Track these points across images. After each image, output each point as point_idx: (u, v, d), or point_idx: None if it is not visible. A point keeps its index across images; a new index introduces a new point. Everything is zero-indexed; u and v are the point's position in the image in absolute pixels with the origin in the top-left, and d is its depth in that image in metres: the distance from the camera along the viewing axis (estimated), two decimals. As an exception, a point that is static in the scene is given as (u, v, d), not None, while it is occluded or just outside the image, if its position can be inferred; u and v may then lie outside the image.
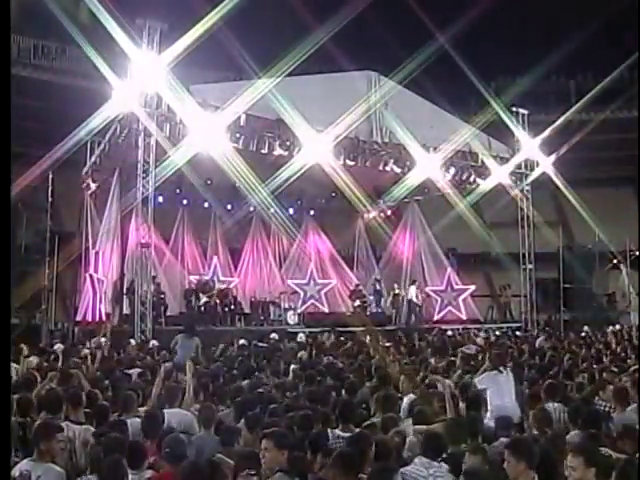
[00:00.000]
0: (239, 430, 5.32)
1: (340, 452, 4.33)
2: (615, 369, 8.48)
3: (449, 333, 16.95)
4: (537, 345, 13.46)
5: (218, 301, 18.52)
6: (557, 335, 16.74)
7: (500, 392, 6.68)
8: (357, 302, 20.46)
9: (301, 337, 14.99)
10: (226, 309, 18.74)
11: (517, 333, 18.60)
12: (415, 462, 4.65)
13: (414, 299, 20.67)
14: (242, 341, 12.80)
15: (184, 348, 10.34)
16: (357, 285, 21.60)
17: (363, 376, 8.24)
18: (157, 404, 6.34)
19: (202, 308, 18.03)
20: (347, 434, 5.21)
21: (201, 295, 18.07)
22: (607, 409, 6.31)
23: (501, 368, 7.23)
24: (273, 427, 4.82)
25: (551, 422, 5.60)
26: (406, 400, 6.60)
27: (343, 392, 7.04)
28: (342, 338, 14.59)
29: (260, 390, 7.12)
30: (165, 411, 5.90)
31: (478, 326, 19.31)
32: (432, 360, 9.85)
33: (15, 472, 4.31)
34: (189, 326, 11.47)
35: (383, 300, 21.53)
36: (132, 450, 4.50)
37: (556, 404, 6.30)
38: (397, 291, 21.41)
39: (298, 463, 4.38)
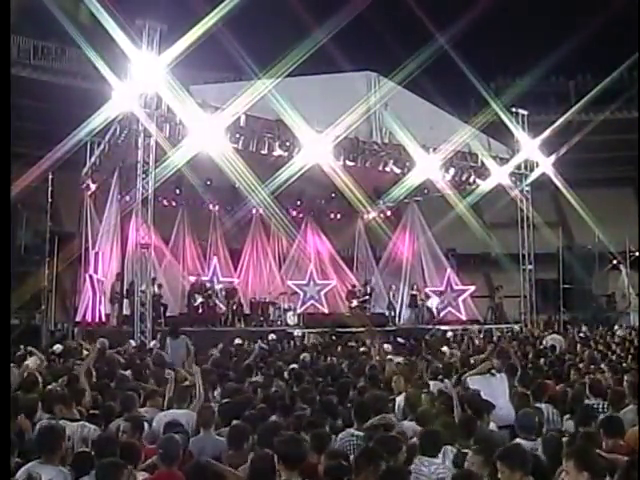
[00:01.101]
0: (249, 431, 5.12)
1: (363, 450, 4.19)
2: (608, 369, 8.47)
3: (449, 334, 16.95)
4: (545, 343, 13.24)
5: (225, 302, 18.57)
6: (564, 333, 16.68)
7: (493, 394, 6.56)
8: (354, 302, 20.45)
9: (299, 333, 15.02)
10: (230, 310, 18.81)
11: (516, 327, 18.66)
12: (415, 462, 4.56)
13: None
14: (237, 341, 12.84)
15: (173, 349, 10.78)
16: (354, 286, 21.59)
17: (360, 376, 8.23)
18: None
19: (199, 309, 18.03)
20: (361, 433, 5.20)
21: (197, 296, 18.08)
22: (602, 409, 6.29)
23: (493, 370, 7.19)
24: (278, 429, 4.76)
25: (537, 424, 5.45)
26: (398, 400, 6.56)
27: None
28: (341, 339, 14.60)
29: (261, 390, 7.14)
30: (175, 412, 5.92)
31: (478, 327, 19.29)
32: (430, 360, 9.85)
33: (23, 474, 4.27)
34: (173, 327, 11.88)
35: (374, 301, 21.48)
36: (126, 450, 4.49)
37: (544, 404, 6.26)
38: (394, 292, 21.42)
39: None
